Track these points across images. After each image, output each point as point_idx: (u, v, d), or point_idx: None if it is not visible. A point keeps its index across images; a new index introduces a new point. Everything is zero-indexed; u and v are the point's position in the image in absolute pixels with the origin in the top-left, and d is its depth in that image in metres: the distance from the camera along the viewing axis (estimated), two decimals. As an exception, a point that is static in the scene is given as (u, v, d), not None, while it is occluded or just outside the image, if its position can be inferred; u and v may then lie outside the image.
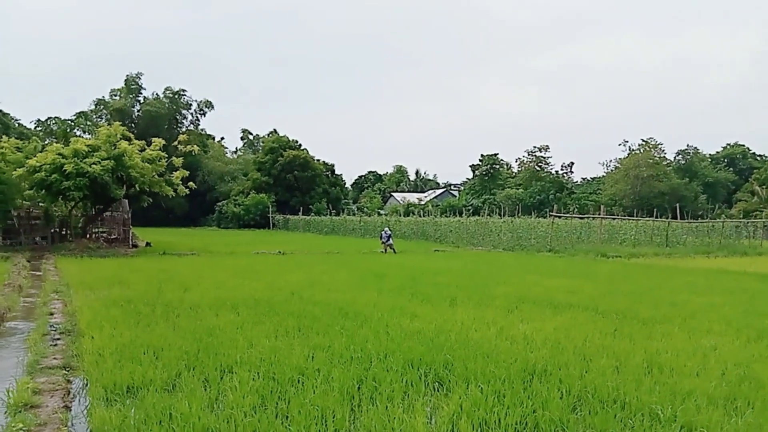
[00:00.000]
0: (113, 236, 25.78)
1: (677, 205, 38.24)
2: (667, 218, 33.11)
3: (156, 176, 23.71)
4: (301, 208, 57.98)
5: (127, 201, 25.39)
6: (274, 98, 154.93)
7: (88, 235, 24.40)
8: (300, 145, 67.41)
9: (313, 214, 56.40)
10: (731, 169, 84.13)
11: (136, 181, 22.67)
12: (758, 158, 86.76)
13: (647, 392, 4.46)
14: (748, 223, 37.71)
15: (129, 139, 23.96)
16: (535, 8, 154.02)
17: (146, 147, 24.09)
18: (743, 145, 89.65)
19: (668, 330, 7.08)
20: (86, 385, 4.77)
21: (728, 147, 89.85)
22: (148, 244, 25.77)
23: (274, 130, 78.75)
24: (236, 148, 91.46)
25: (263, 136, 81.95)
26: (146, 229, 40.41)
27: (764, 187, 71.81)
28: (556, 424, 3.85)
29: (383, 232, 24.70)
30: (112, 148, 22.19)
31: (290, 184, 62.88)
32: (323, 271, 14.40)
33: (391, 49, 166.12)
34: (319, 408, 4.01)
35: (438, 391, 4.59)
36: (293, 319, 7.34)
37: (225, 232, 48.82)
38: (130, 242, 25.13)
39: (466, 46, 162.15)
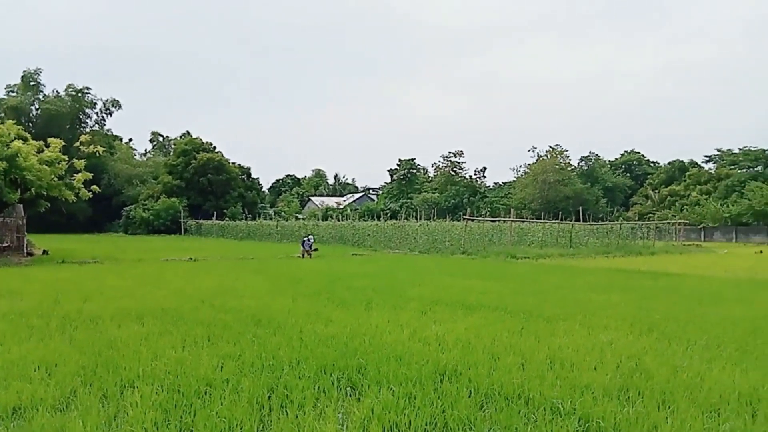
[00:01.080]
0: (5, 244, 23.77)
1: (580, 208, 40.58)
2: (571, 221, 35.05)
3: (55, 179, 22.12)
4: (216, 213, 56.31)
5: (21, 206, 23.52)
6: (188, 100, 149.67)
7: (-25, 244, 22.37)
8: (214, 147, 65.50)
9: (227, 218, 54.89)
10: (628, 174, 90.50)
11: (32, 184, 21.05)
12: (651, 165, 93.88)
13: (549, 387, 4.66)
14: (642, 225, 40.66)
15: (25, 139, 22.23)
16: (452, 18, 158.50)
17: (44, 148, 22.45)
18: (639, 152, 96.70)
19: (570, 327, 7.46)
20: (-34, 407, 4.35)
21: (625, 154, 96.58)
22: (45, 252, 24.01)
23: (187, 132, 75.97)
24: (146, 150, 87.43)
25: (175, 139, 78.74)
26: (44, 236, 37.66)
27: (656, 191, 77.78)
28: (464, 423, 3.94)
29: (306, 239, 24.39)
30: (5, 148, 20.50)
31: (204, 187, 60.90)
32: (237, 278, 14.02)
33: (310, 53, 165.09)
34: (227, 420, 3.88)
35: (350, 396, 4.57)
36: (203, 328, 7.08)
37: (132, 239, 46.41)
38: (25, 250, 23.30)
39: (387, 51, 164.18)
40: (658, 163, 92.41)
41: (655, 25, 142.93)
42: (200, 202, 60.24)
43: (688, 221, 56.61)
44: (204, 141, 65.57)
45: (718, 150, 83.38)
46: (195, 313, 8.32)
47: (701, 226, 60.49)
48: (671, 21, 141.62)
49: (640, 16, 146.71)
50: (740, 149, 79.71)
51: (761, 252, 33.70)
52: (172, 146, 76.08)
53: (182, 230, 55.98)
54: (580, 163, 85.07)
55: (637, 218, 63.10)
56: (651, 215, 64.70)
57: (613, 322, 7.91)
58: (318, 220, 47.04)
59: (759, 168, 75.28)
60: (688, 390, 4.64)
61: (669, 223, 44.72)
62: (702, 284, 13.79)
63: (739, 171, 74.14)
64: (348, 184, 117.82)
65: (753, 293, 11.92)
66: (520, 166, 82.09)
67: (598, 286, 12.75)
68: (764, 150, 77.49)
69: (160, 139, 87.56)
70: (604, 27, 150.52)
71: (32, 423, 3.85)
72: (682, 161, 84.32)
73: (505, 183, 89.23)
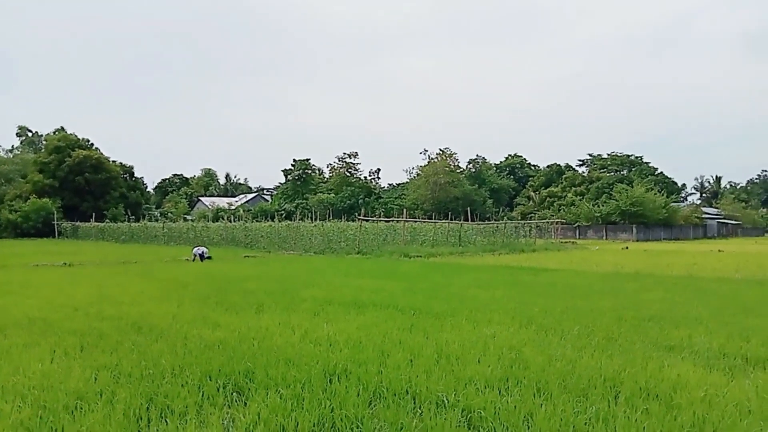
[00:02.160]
0: None
1: (468, 208, 42.37)
2: (460, 220, 36.48)
3: None
4: (94, 214, 52.45)
5: None
6: (63, 95, 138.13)
7: None
8: (92, 144, 61.08)
9: (108, 220, 51.33)
10: (512, 176, 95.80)
11: None
12: (533, 168, 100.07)
13: (436, 381, 4.81)
14: (524, 224, 43.18)
15: None
16: (348, 21, 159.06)
17: None
18: (521, 156, 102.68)
19: (457, 322, 7.75)
20: None
21: (510, 157, 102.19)
22: None
23: (62, 127, 70.08)
24: (12, 146, 79.61)
25: (47, 134, 72.38)
26: None
27: (537, 192, 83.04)
28: (352, 422, 3.96)
29: (197, 250, 22.62)
30: None
31: (80, 187, 56.56)
32: (117, 284, 13.13)
33: (202, 51, 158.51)
34: (99, 434, 3.62)
35: (237, 402, 4.43)
36: (75, 337, 6.55)
37: (-4, 243, 42.06)
38: None
39: (282, 54, 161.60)
40: (539, 167, 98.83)
41: (537, 38, 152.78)
42: (77, 203, 55.89)
43: (565, 220, 61.06)
44: (80, 137, 60.92)
45: (590, 155, 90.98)
46: (67, 322, 7.69)
47: (576, 224, 65.39)
48: (554, 35, 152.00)
49: (524, 31, 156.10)
50: (608, 154, 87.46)
51: (627, 248, 37.11)
52: (44, 143, 69.90)
53: (56, 233, 51.61)
54: (468, 166, 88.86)
55: (520, 218, 66.98)
56: (532, 215, 68.98)
57: (497, 316, 8.31)
58: (208, 221, 45.32)
59: (624, 172, 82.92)
60: (561, 377, 4.97)
61: (548, 222, 47.88)
62: (576, 278, 14.89)
63: (608, 174, 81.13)
64: (240, 184, 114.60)
65: (619, 285, 13.05)
66: (413, 168, 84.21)
67: (484, 283, 13.36)
68: (629, 155, 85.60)
69: (29, 134, 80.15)
70: (493, 38, 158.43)
71: None
72: (559, 165, 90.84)
73: (398, 184, 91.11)
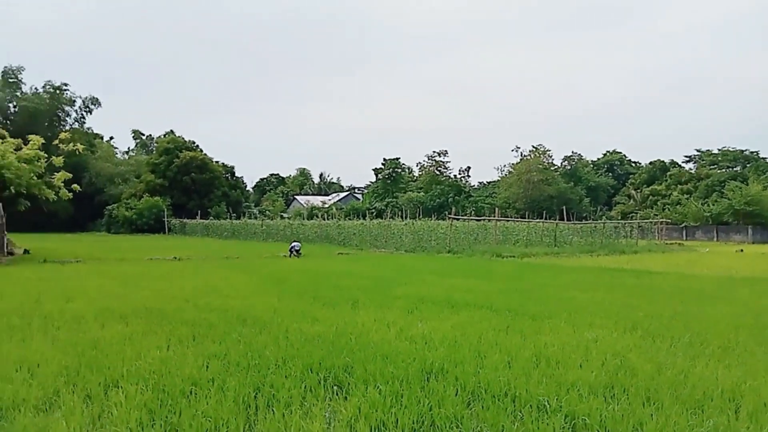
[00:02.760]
0: (-16, 243, 23.38)
1: (564, 207, 40.91)
2: (555, 220, 35.32)
3: (34, 178, 21.81)
4: (199, 212, 55.85)
5: (0, 205, 23.13)
6: (171, 98, 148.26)
7: (-47, 243, 21.96)
8: (197, 146, 65.01)
9: (211, 217, 54.49)
10: (610, 174, 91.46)
11: (11, 182, 20.74)
12: (633, 164, 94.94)
13: (536, 385, 4.69)
14: (625, 224, 41.08)
15: (2, 137, 21.90)
16: (435, 17, 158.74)
17: (23, 145, 22.11)
18: (621, 152, 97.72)
19: (555, 325, 7.51)
20: (-55, 409, 4.26)
21: (608, 154, 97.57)
22: (26, 251, 23.65)
23: (171, 131, 75.17)
24: (128, 148, 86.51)
25: (158, 137, 77.95)
26: (25, 235, 37.06)
27: (638, 191, 78.68)
28: (451, 421, 3.95)
29: (293, 245, 23.97)
30: (-18, 146, 20.17)
31: (187, 186, 60.41)
32: (221, 277, 13.92)
33: (296, 53, 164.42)
34: (212, 419, 3.85)
35: (337, 395, 4.55)
36: (187, 327, 7.01)
37: (115, 238, 45.89)
38: (5, 249, 22.91)
39: (373, 52, 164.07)
40: (640, 163, 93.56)
41: (634, 26, 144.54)
42: (184, 201, 59.75)
43: (669, 220, 57.40)
44: (186, 139, 65.07)
45: (698, 150, 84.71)
46: (179, 312, 8.25)
47: (683, 225, 61.32)
48: (651, 23, 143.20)
49: (619, 18, 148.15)
50: (719, 150, 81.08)
51: (742, 251, 34.25)
52: (155, 145, 75.35)
53: (166, 229, 55.48)
54: (563, 163, 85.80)
55: (620, 217, 63.83)
56: (633, 214, 65.48)
57: (598, 319, 7.98)
58: (303, 219, 46.90)
59: (737, 168, 76.59)
60: (672, 387, 4.69)
61: (651, 222, 45.27)
62: (684, 282, 13.97)
63: (718, 171, 75.33)
64: (333, 183, 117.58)
65: (734, 291, 12.09)
66: (504, 166, 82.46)
67: (582, 285, 12.86)
68: (742, 151, 78.92)
69: (143, 137, 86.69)
70: (585, 27, 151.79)
71: (14, 424, 3.79)
72: (663, 161, 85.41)
73: (489, 182, 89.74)
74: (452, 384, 4.67)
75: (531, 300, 9.97)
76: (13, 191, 21.57)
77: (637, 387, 4.69)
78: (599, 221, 40.27)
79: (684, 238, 58.64)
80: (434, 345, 6.14)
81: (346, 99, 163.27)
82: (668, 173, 79.08)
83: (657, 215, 59.46)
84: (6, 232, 23.89)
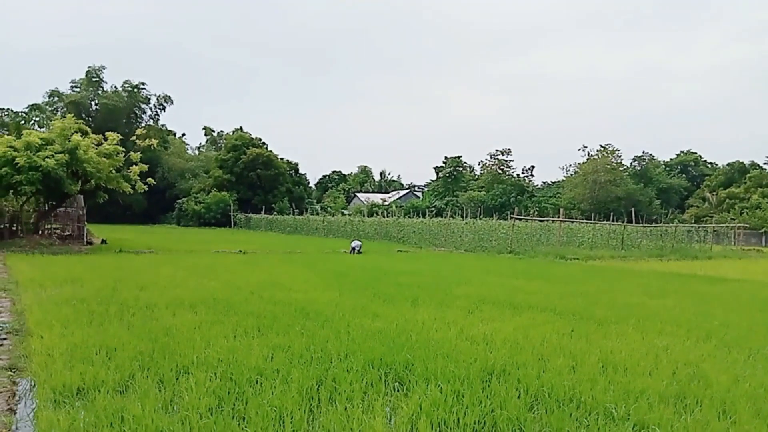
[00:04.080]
0: (67, 233, 24.92)
1: (633, 209, 39.35)
2: (623, 222, 34.03)
3: (113, 171, 23.05)
4: (264, 207, 57.30)
5: (82, 197, 24.58)
6: (239, 96, 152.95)
7: (40, 232, 23.53)
8: (263, 143, 66.68)
9: (275, 213, 55.80)
10: (684, 175, 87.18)
11: (92, 176, 22.00)
12: (709, 166, 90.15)
13: (602, 391, 4.55)
14: (699, 228, 39.08)
15: (85, 133, 23.24)
16: (498, 16, 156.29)
17: (103, 141, 23.41)
18: (695, 153, 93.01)
19: (623, 330, 7.26)
20: (33, 386, 4.58)
21: (681, 154, 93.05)
22: (103, 241, 25.03)
23: (240, 127, 77.54)
24: (200, 144, 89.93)
25: (227, 134, 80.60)
26: (102, 226, 39.28)
27: (714, 193, 74.70)
28: (513, 423, 3.89)
29: (354, 244, 24.12)
30: (66, 141, 21.47)
31: (253, 182, 62.10)
32: (285, 271, 14.25)
33: (357, 51, 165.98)
34: (277, 409, 3.96)
35: (398, 391, 4.58)
36: (253, 318, 7.23)
37: (185, 230, 47.84)
38: (85, 239, 24.36)
39: (432, 50, 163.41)
40: (716, 164, 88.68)
41: (708, 23, 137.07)
42: (249, 197, 61.46)
43: (748, 225, 54.11)
44: (254, 137, 66.86)
45: (783, 151, 79.31)
46: (245, 304, 8.52)
47: (762, 230, 57.72)
48: (725, 19, 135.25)
49: (692, 14, 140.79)
50: (806, 150, 75.61)
51: (828, 259, 31.89)
52: (224, 141, 77.92)
53: (232, 223, 57.27)
54: (633, 163, 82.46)
55: (693, 221, 60.80)
56: (708, 218, 62.15)
57: (669, 327, 7.65)
58: (363, 216, 47.31)
59: (827, 170, 71.28)
60: (750, 400, 4.44)
61: (727, 226, 42.90)
62: (763, 291, 13.18)
63: (804, 173, 70.38)
64: (393, 181, 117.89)
65: (820, 302, 11.28)
66: (570, 166, 79.92)
67: (651, 290, 12.35)
68: (833, 151, 73.29)
69: (213, 134, 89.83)
70: (655, 24, 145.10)
71: (95, 403, 4.03)
72: (742, 162, 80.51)
73: (553, 182, 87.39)
74: (514, 386, 4.60)
75: (596, 304, 9.67)
76: (93, 184, 22.88)
77: (711, 398, 4.47)
78: (670, 224, 38.49)
79: (763, 244, 55.18)
80: (496, 346, 6.07)
81: (408, 97, 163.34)
82: (747, 175, 74.49)
83: (734, 219, 56.20)
84: (86, 223, 25.38)
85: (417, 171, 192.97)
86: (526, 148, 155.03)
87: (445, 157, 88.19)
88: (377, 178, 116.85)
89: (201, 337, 6.05)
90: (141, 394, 4.21)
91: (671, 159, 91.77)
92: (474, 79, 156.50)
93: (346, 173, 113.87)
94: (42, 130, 42.66)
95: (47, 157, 19.97)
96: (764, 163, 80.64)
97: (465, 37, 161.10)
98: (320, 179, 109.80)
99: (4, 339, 6.24)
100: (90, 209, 26.68)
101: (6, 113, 63.42)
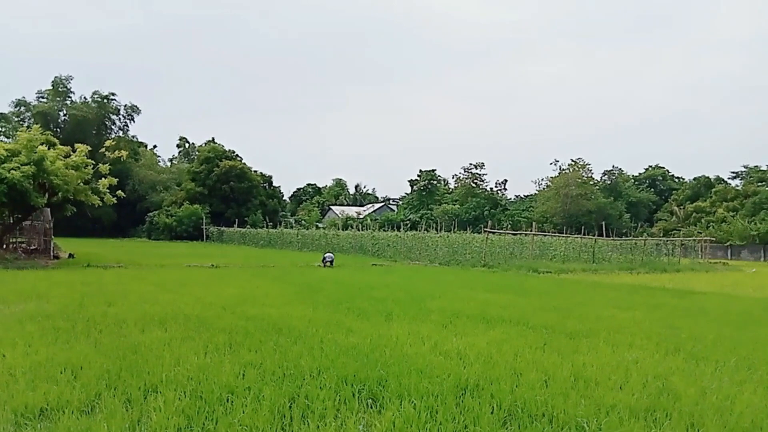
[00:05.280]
0: (33, 247, 24.31)
1: (603, 223, 39.98)
2: (594, 235, 34.61)
3: (81, 184, 22.57)
4: (237, 220, 56.77)
5: (48, 210, 24.02)
6: (212, 108, 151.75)
7: (4, 246, 22.89)
8: (237, 155, 66.22)
9: (249, 226, 55.32)
10: (652, 189, 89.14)
11: (59, 188, 21.50)
12: (676, 180, 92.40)
13: (574, 405, 4.58)
14: (667, 241, 39.91)
15: (53, 145, 22.75)
16: (473, 29, 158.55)
17: (71, 153, 22.94)
18: (663, 167, 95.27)
19: (594, 344, 7.34)
20: (-6, 408, 4.42)
21: (650, 169, 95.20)
22: (71, 255, 24.44)
23: (212, 139, 76.89)
24: (172, 156, 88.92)
25: (199, 146, 79.82)
26: (70, 240, 38.37)
27: (682, 207, 76.52)
28: (486, 440, 3.89)
29: (326, 256, 24.14)
30: (33, 153, 20.99)
31: (226, 195, 61.51)
32: (258, 286, 14.09)
33: (332, 63, 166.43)
34: (248, 428, 3.89)
35: (371, 408, 4.54)
36: (224, 335, 7.12)
37: (156, 244, 47.03)
38: (51, 253, 23.77)
39: (406, 64, 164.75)
40: (683, 179, 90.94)
41: (677, 37, 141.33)
42: (222, 209, 60.82)
43: (714, 238, 55.44)
44: (227, 149, 66.37)
45: (745, 167, 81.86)
46: (217, 320, 8.38)
47: (728, 243, 59.21)
48: (694, 33, 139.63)
49: (663, 28, 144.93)
50: (768, 166, 78.17)
51: (790, 272, 32.84)
52: (196, 153, 77.13)
53: (204, 237, 56.56)
54: (603, 177, 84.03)
55: (661, 234, 62.11)
56: (676, 232, 63.58)
57: (638, 340, 7.76)
58: (338, 229, 47.15)
59: (788, 185, 73.67)
60: (718, 413, 4.52)
61: (695, 240, 43.90)
62: (730, 303, 13.49)
63: (767, 188, 72.60)
64: (368, 194, 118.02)
65: (783, 314, 11.60)
66: (542, 179, 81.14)
67: (622, 303, 12.54)
68: (794, 167, 75.95)
69: (186, 145, 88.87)
70: (625, 38, 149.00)
71: (58, 425, 3.91)
72: (708, 177, 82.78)
73: (526, 196, 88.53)
74: (488, 401, 4.60)
75: (568, 317, 9.77)
76: (60, 197, 22.36)
77: (680, 412, 4.54)
78: (640, 238, 39.25)
79: (729, 257, 56.59)
80: (469, 361, 6.07)
81: (383, 110, 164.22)
82: (713, 190, 76.58)
83: (701, 233, 57.57)
84: (52, 237, 24.78)
85: (392, 184, 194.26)
86: (499, 160, 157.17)
87: (420, 171, 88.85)
88: (352, 191, 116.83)
89: (170, 355, 5.93)
90: (107, 415, 4.09)
91: (640, 173, 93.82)
92: (448, 93, 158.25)
93: (320, 186, 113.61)
94: (8, 141, 41.68)
95: (12, 168, 19.48)
96: (729, 178, 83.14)
97: (441, 50, 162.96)
98: (294, 192, 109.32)
99: (-36, 358, 6.01)
100: (57, 222, 26.08)
101: (-29, 123, 61.83)
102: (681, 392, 5.07)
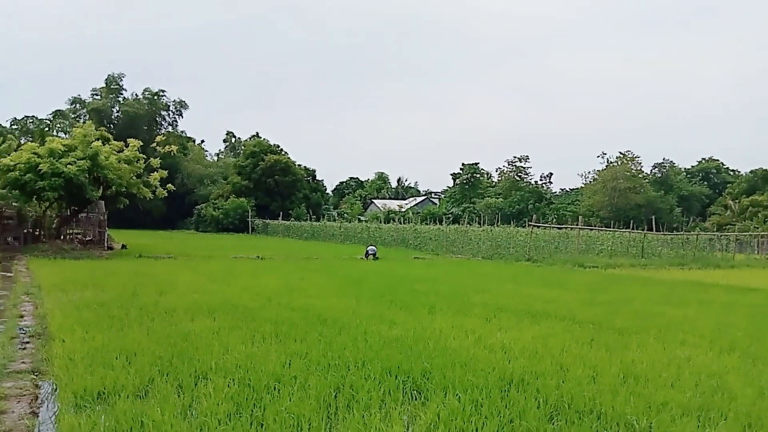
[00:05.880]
0: (88, 238, 25.32)
1: (653, 217, 38.82)
2: (643, 230, 33.61)
3: (133, 178, 23.38)
4: (281, 213, 57.61)
5: (103, 202, 24.97)
6: (259, 103, 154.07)
7: (62, 237, 23.94)
8: (281, 149, 67.14)
9: (293, 219, 56.05)
10: (705, 183, 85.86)
11: (113, 182, 22.34)
12: (731, 173, 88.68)
13: (623, 402, 4.48)
14: (721, 236, 38.45)
15: (107, 140, 23.63)
16: (516, 20, 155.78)
17: (124, 148, 23.78)
18: (717, 160, 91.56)
19: (643, 340, 7.15)
20: (55, 390, 4.64)
21: (703, 161, 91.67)
22: (123, 246, 25.36)
23: (257, 133, 78.23)
24: (219, 150, 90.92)
25: (245, 140, 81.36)
26: (122, 231, 39.78)
27: (737, 201, 73.45)
28: (532, 434, 3.84)
29: (369, 249, 24.30)
30: (88, 148, 21.84)
31: (270, 188, 62.48)
32: (302, 277, 14.30)
33: (374, 58, 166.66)
34: (295, 416, 3.96)
35: (416, 399, 4.55)
36: (270, 325, 7.25)
37: (203, 236, 48.28)
38: (106, 244, 24.71)
39: (449, 57, 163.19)
40: (739, 172, 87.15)
41: (733, 30, 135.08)
42: (267, 203, 61.84)
43: (772, 234, 53.05)
44: (272, 143, 67.39)
45: (808, 158, 77.76)
46: (263, 310, 8.55)
47: (787, 239, 56.55)
48: (752, 26, 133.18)
49: (719, 21, 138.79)
50: (833, 158, 74.03)
51: None
52: (242, 148, 78.64)
53: (250, 229, 57.65)
54: (653, 170, 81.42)
55: (715, 229, 59.79)
56: (730, 226, 61.08)
57: (691, 337, 7.52)
58: (380, 222, 47.33)
59: None
60: (777, 414, 4.33)
61: (751, 235, 42.13)
62: (789, 301, 12.89)
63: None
64: (410, 187, 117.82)
65: None
66: (589, 173, 79.14)
67: (673, 299, 12.16)
68: None
69: (233, 140, 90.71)
70: (678, 30, 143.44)
71: (115, 408, 4.06)
72: (765, 170, 79.12)
73: (572, 189, 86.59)
74: (533, 396, 4.54)
75: (616, 313, 9.54)
76: (114, 190, 23.22)
77: (736, 412, 4.38)
78: (692, 233, 37.90)
79: (788, 253, 54.05)
80: (514, 355, 6.01)
81: (425, 103, 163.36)
82: (771, 183, 73.22)
83: (757, 228, 55.14)
84: (106, 228, 25.76)
85: (434, 177, 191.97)
86: (544, 154, 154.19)
87: (462, 164, 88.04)
88: (394, 184, 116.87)
89: (219, 343, 6.08)
90: (160, 400, 4.24)
91: (692, 166, 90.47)
92: (491, 85, 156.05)
93: (363, 180, 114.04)
94: (66, 136, 43.45)
95: (69, 163, 20.33)
96: (789, 171, 79.07)
97: (482, 42, 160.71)
98: (337, 185, 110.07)
99: (27, 342, 6.33)
100: (111, 214, 27.08)
101: (31, 120, 64.74)
102: (737, 392, 4.89)
